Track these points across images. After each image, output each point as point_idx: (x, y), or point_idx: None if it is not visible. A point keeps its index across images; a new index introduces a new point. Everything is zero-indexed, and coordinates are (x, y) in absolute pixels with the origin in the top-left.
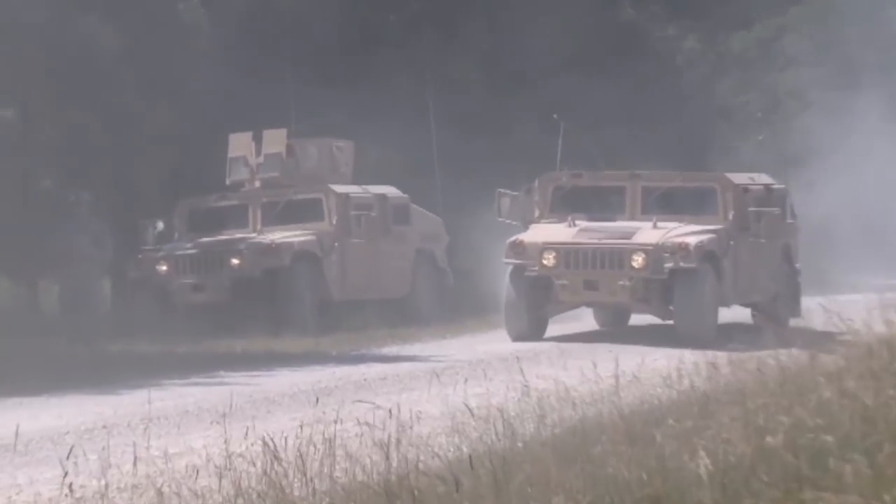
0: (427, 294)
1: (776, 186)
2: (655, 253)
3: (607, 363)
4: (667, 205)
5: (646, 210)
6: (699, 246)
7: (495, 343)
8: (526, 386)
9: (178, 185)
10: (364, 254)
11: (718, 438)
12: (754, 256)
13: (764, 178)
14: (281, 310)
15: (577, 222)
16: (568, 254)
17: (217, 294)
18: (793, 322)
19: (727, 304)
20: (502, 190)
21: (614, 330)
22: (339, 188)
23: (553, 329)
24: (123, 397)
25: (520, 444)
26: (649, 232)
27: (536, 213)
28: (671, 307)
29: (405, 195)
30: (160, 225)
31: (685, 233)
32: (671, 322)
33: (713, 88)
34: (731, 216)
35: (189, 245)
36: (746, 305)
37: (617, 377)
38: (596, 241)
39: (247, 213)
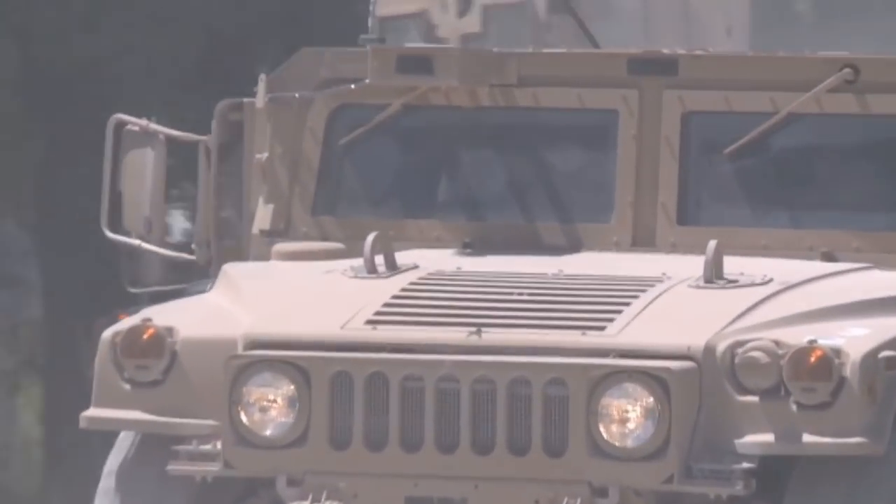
0: None
1: None
2: (701, 382)
3: None
4: (759, 177)
5: (688, 201)
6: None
7: None
8: None
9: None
10: None
11: None
12: None
13: None
14: None
15: (412, 262)
16: (343, 381)
17: None
18: None
19: None
20: (122, 116)
21: None
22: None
23: None
24: None
25: None
26: (683, 294)
27: (264, 215)
28: None
29: None
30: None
31: (835, 305)
32: None
33: None
34: None
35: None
36: None
37: None
38: (472, 339)
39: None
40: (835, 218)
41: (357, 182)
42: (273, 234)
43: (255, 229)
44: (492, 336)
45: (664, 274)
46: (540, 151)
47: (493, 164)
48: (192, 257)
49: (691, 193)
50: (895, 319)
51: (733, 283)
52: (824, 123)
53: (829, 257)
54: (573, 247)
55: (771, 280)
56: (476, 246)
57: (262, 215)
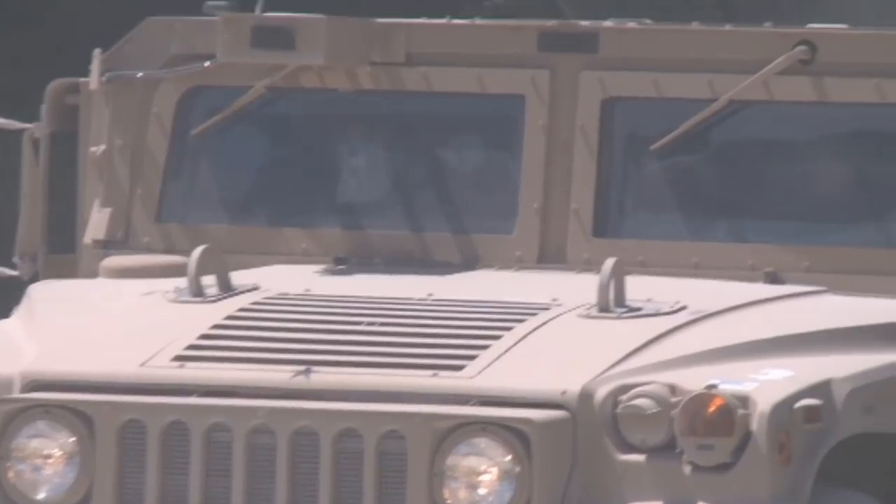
0: None
1: None
2: (575, 436)
3: None
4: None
5: (607, 207)
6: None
7: None
8: None
9: None
10: None
11: None
12: None
13: None
14: None
15: (252, 282)
16: (135, 432)
17: None
18: None
19: None
20: None
21: None
22: None
23: None
24: None
25: None
26: (569, 326)
27: (100, 221)
28: None
29: None
30: None
31: (758, 339)
32: None
33: None
34: None
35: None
36: None
37: None
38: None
39: None
40: (783, 230)
41: (211, 181)
42: (109, 245)
43: (88, 238)
44: (323, 377)
45: (554, 299)
46: (431, 146)
47: (374, 160)
48: (14, 272)
49: (611, 198)
50: (839, 357)
51: (634, 312)
52: (773, 112)
53: (774, 278)
54: (468, 263)
55: (683, 308)
56: (351, 261)
57: (97, 221)
